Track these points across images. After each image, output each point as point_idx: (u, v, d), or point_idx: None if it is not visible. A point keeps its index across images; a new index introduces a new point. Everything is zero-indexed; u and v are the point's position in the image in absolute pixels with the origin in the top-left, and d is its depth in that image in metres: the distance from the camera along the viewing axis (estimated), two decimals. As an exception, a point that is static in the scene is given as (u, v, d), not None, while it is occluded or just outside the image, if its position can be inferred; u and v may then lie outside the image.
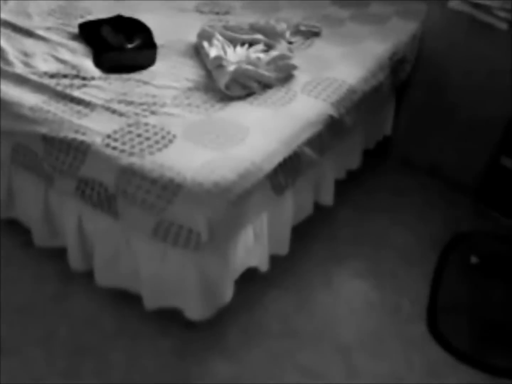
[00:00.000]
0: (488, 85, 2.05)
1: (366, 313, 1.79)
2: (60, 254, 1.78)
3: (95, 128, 1.55)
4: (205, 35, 1.95)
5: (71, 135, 1.53)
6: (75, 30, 2.04)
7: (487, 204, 2.22)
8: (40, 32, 2.00)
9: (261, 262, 1.71)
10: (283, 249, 1.81)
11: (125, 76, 1.79)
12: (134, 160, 1.44)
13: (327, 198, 2.02)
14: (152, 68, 1.84)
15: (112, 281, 1.68)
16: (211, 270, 1.50)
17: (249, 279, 1.71)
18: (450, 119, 2.23)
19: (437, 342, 1.71)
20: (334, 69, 1.90)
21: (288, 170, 1.58)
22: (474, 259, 1.97)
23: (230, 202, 1.40)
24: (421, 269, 1.94)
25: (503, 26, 1.93)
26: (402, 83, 2.22)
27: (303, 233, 1.95)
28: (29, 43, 1.94)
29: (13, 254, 1.87)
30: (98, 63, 1.85)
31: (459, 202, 2.24)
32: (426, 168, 2.38)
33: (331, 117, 1.73)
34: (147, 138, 1.52)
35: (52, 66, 1.81)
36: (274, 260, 1.79)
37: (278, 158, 1.54)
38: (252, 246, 1.62)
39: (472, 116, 2.14)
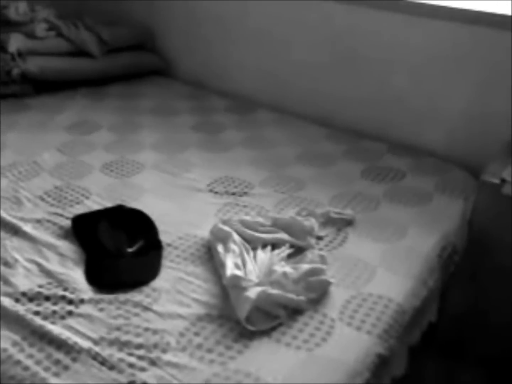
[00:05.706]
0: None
1: None
2: None
3: (76, 394, 1.19)
4: (220, 235, 1.64)
5: (43, 408, 1.17)
6: (68, 222, 1.75)
7: None
8: (27, 229, 1.71)
9: None
10: None
11: (121, 297, 1.46)
12: None
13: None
14: (155, 284, 1.52)
15: None
16: None
17: None
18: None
19: None
20: (375, 280, 1.56)
21: None
22: None
23: None
24: None
25: None
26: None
27: None
28: (12, 245, 1.64)
29: None
30: (90, 276, 1.53)
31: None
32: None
33: (379, 357, 1.36)
34: (142, 415, 1.15)
35: (33, 282, 1.50)
36: None
37: None
38: None
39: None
